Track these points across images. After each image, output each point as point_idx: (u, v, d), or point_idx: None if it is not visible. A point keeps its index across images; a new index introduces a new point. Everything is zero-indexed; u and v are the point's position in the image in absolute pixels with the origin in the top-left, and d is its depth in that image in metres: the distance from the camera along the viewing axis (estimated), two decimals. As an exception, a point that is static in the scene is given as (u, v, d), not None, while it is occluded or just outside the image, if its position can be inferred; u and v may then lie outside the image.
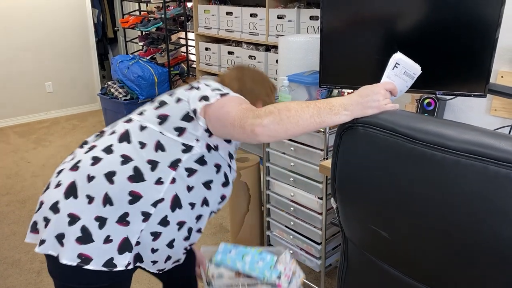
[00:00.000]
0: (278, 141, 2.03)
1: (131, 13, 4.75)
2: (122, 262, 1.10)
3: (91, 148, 1.17)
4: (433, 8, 1.42)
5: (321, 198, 1.90)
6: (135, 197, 1.09)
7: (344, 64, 1.62)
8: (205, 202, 1.21)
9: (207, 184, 1.19)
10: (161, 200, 1.12)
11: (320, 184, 1.88)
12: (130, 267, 1.13)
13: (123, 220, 1.09)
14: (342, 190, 0.96)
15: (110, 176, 1.09)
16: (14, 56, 4.58)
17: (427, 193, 0.79)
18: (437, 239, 0.80)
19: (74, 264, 1.06)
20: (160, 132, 1.14)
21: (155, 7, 4.26)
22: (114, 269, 1.09)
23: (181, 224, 1.17)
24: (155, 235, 1.13)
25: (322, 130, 1.78)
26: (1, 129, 4.57)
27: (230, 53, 3.44)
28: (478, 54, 1.38)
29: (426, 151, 0.78)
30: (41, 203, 1.13)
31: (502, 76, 1.47)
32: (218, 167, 1.21)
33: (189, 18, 4.04)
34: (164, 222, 1.13)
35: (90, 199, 1.08)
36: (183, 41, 4.27)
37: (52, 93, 4.93)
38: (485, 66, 1.37)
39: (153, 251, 1.16)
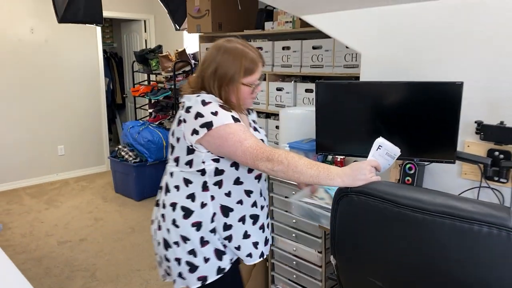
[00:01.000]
0: (280, 203, 2.28)
1: (141, 83, 5.17)
2: (226, 262, 1.49)
3: (158, 206, 1.56)
4: (409, 92, 1.75)
5: (320, 252, 2.12)
6: (197, 225, 1.45)
7: (336, 135, 1.92)
8: (247, 192, 1.49)
9: (238, 181, 1.46)
10: (214, 214, 1.45)
11: (320, 239, 2.11)
12: (235, 259, 1.53)
13: (203, 242, 1.46)
14: (341, 247, 1.16)
15: (174, 223, 1.47)
16: (30, 122, 4.89)
17: (411, 247, 0.97)
18: (423, 283, 0.98)
19: (200, 285, 1.46)
20: (181, 171, 1.46)
21: (163, 78, 4.66)
22: (225, 271, 1.48)
23: (242, 219, 1.49)
24: (229, 238, 1.48)
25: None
26: (14, 190, 4.79)
27: (233, 119, 3.77)
28: (446, 128, 1.68)
29: (409, 213, 0.97)
30: (160, 257, 1.56)
31: (468, 146, 1.76)
32: (235, 164, 1.44)
33: (196, 87, 4.43)
34: (227, 227, 1.47)
35: (177, 243, 1.47)
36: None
37: (63, 155, 5.21)
38: (452, 137, 1.67)
39: (239, 247, 1.50)
